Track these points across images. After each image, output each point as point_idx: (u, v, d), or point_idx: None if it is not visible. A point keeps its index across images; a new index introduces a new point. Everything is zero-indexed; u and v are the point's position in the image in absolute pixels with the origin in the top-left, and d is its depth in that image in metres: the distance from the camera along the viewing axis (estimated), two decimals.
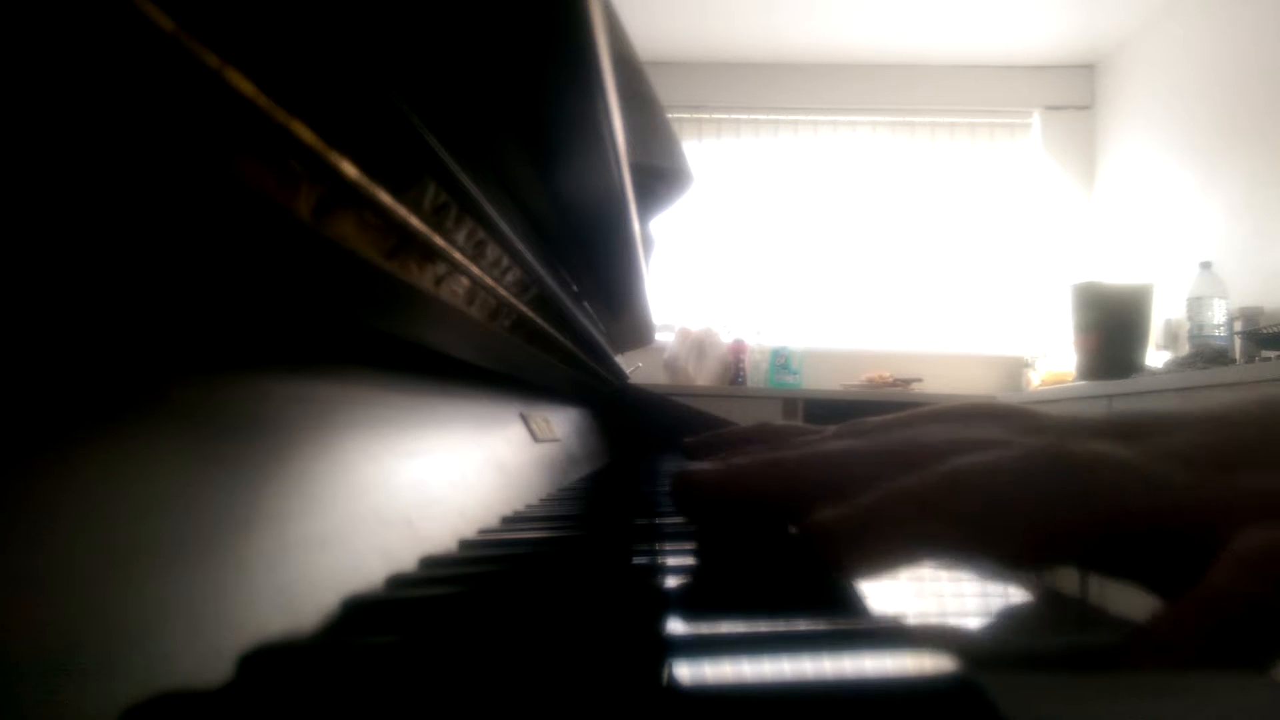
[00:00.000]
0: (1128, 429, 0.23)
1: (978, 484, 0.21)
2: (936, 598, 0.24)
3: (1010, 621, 0.22)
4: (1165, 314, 2.67)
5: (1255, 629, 0.17)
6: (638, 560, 0.27)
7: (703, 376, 3.12)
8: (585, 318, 0.62)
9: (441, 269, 0.29)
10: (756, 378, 3.14)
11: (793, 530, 0.23)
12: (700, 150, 3.41)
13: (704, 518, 0.26)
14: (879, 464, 0.24)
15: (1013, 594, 0.25)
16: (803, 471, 0.24)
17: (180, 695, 0.14)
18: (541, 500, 0.49)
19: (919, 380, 3.18)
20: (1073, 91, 3.40)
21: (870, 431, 0.30)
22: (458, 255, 0.29)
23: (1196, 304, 2.41)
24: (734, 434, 0.37)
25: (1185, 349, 2.38)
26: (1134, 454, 0.22)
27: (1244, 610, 0.18)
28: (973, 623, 0.22)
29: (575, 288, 0.65)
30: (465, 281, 0.32)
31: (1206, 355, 2.18)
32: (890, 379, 3.15)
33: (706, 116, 3.45)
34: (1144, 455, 0.21)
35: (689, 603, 0.20)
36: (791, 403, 2.98)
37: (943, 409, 0.29)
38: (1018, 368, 3.25)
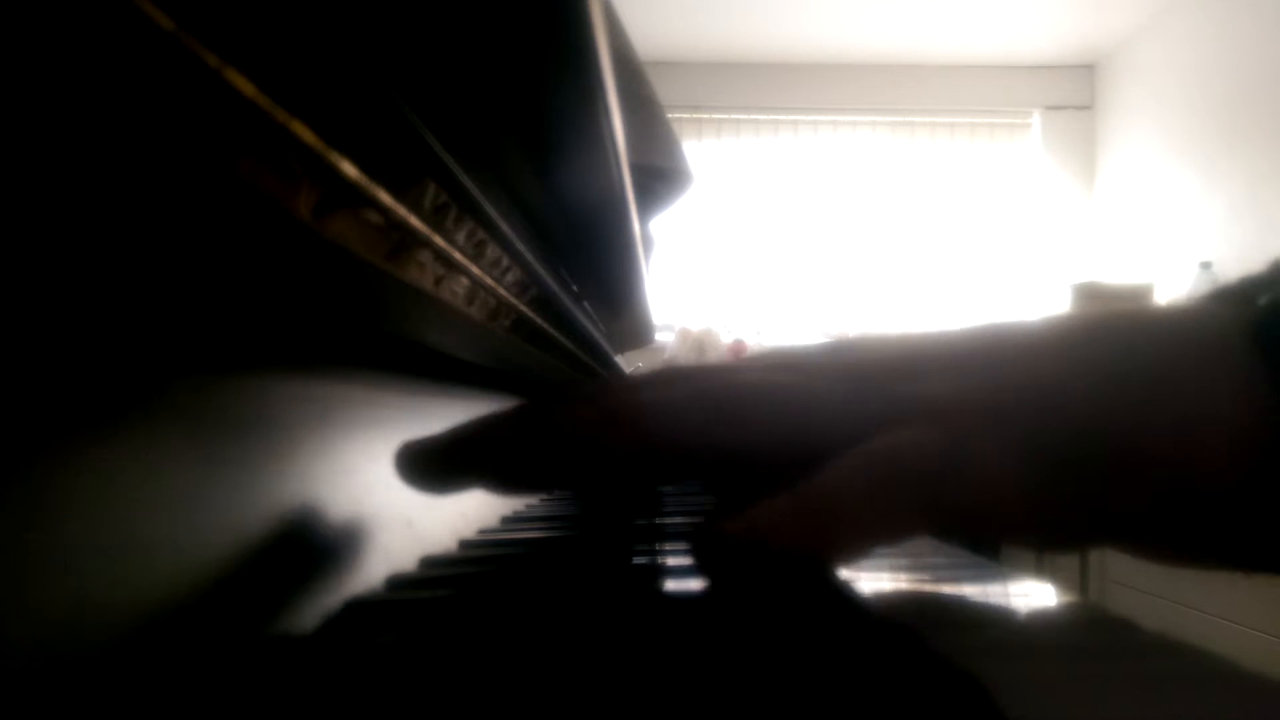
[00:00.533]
0: (820, 352, 0.25)
1: (641, 415, 0.22)
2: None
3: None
4: None
5: (836, 524, 0.19)
6: (637, 560, 0.27)
7: None
8: (585, 318, 0.62)
9: (441, 269, 0.29)
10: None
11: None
12: (700, 150, 3.41)
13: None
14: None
15: (993, 592, 0.25)
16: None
17: (180, 696, 0.14)
18: (541, 500, 0.49)
19: None
20: (1073, 91, 3.40)
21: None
22: (458, 255, 0.29)
23: None
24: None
25: None
26: (792, 377, 0.23)
27: (830, 505, 0.19)
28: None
29: (575, 288, 0.65)
30: (465, 281, 0.32)
31: None
32: None
33: (706, 116, 3.45)
34: (809, 378, 0.23)
35: None
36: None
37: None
38: None
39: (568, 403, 0.23)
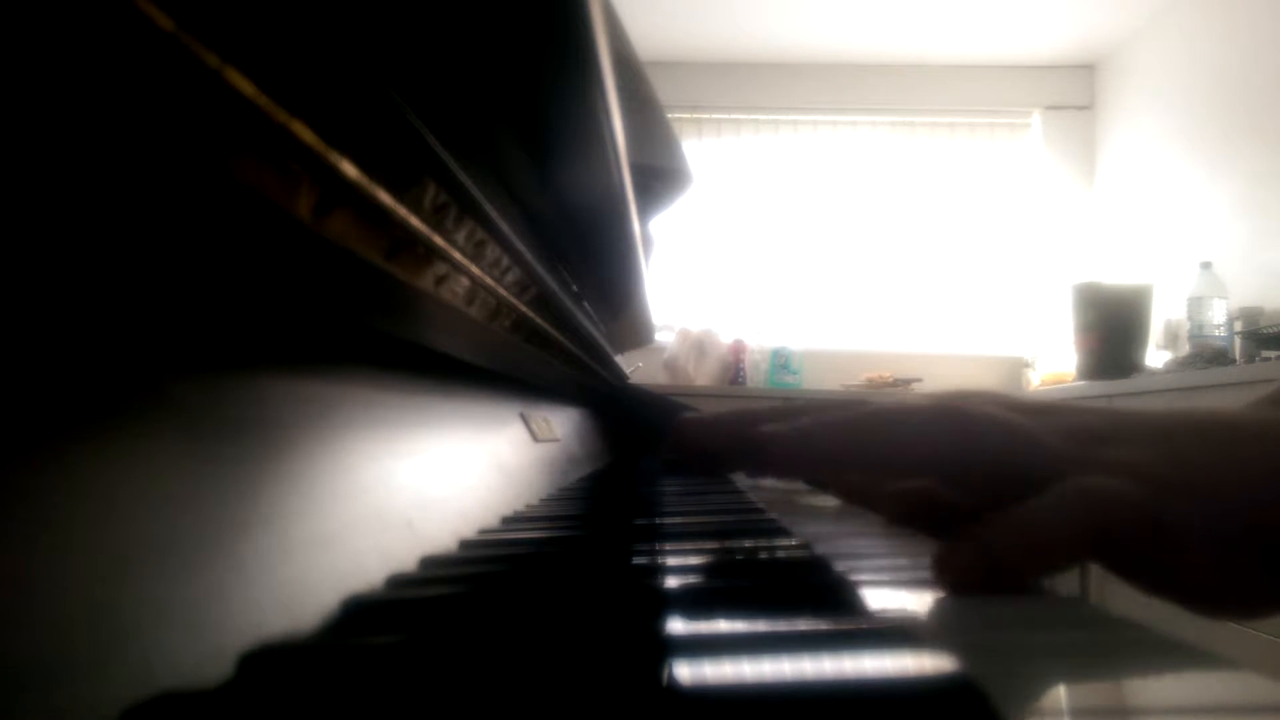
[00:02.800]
0: (1038, 408, 0.29)
1: (886, 419, 0.28)
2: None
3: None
4: (1165, 314, 2.67)
5: (1053, 544, 0.24)
6: (638, 560, 0.27)
7: (703, 376, 3.12)
8: (585, 318, 0.62)
9: (441, 269, 0.29)
10: (756, 378, 3.14)
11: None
12: (700, 150, 3.41)
13: (694, 455, 0.32)
14: (817, 411, 0.31)
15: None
16: (766, 414, 0.31)
17: (180, 695, 0.14)
18: (542, 500, 0.49)
19: (919, 380, 3.18)
20: (1073, 91, 3.40)
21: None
22: (458, 255, 0.29)
23: (1196, 304, 2.41)
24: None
25: (1185, 349, 2.38)
26: (1023, 419, 0.28)
27: (1048, 527, 0.24)
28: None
29: (575, 288, 0.65)
30: (465, 281, 0.32)
31: (1206, 355, 2.18)
32: (890, 379, 3.15)
33: (706, 116, 3.45)
34: (1031, 423, 0.28)
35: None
36: (792, 403, 2.97)
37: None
38: (1018, 368, 3.25)
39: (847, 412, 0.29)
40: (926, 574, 0.26)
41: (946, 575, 0.25)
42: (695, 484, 0.61)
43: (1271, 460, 0.25)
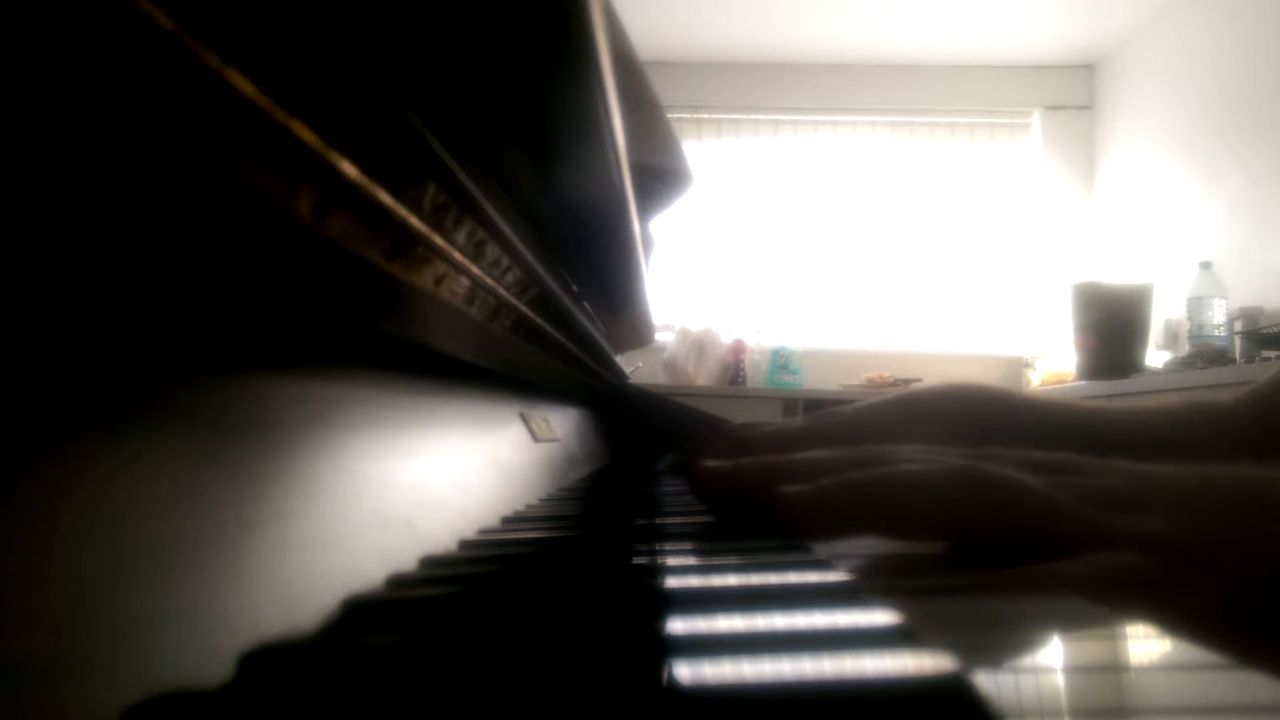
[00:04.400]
0: (1059, 466, 0.30)
1: (902, 484, 0.29)
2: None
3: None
4: (1165, 314, 2.67)
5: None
6: (637, 560, 0.27)
7: (703, 376, 3.12)
8: (585, 318, 0.62)
9: (442, 269, 0.29)
10: (756, 378, 3.14)
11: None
12: (700, 150, 3.41)
13: (713, 503, 0.35)
14: (840, 464, 0.32)
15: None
16: (785, 469, 0.32)
17: (180, 695, 0.14)
18: (542, 500, 0.49)
19: (919, 380, 3.18)
20: (1073, 91, 3.40)
21: (837, 425, 0.42)
22: (458, 255, 0.29)
23: (1196, 304, 2.41)
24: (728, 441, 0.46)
25: (1185, 349, 2.38)
26: (1041, 483, 0.28)
27: (1086, 585, 0.24)
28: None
29: (575, 288, 0.65)
30: (465, 281, 0.32)
31: (1206, 355, 2.18)
32: (890, 379, 3.15)
33: (706, 116, 3.45)
34: (1051, 486, 0.28)
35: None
36: (791, 403, 2.98)
37: (911, 395, 0.40)
38: (1018, 368, 3.24)
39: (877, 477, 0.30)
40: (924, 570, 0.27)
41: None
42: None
43: None
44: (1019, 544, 0.27)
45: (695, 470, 0.34)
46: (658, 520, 0.36)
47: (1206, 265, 2.44)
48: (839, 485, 0.29)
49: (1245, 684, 0.15)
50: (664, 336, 3.10)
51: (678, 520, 0.37)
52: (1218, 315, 2.37)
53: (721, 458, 0.37)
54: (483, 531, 0.35)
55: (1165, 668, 0.17)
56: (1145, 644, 0.19)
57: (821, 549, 0.30)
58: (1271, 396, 0.47)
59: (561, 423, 0.70)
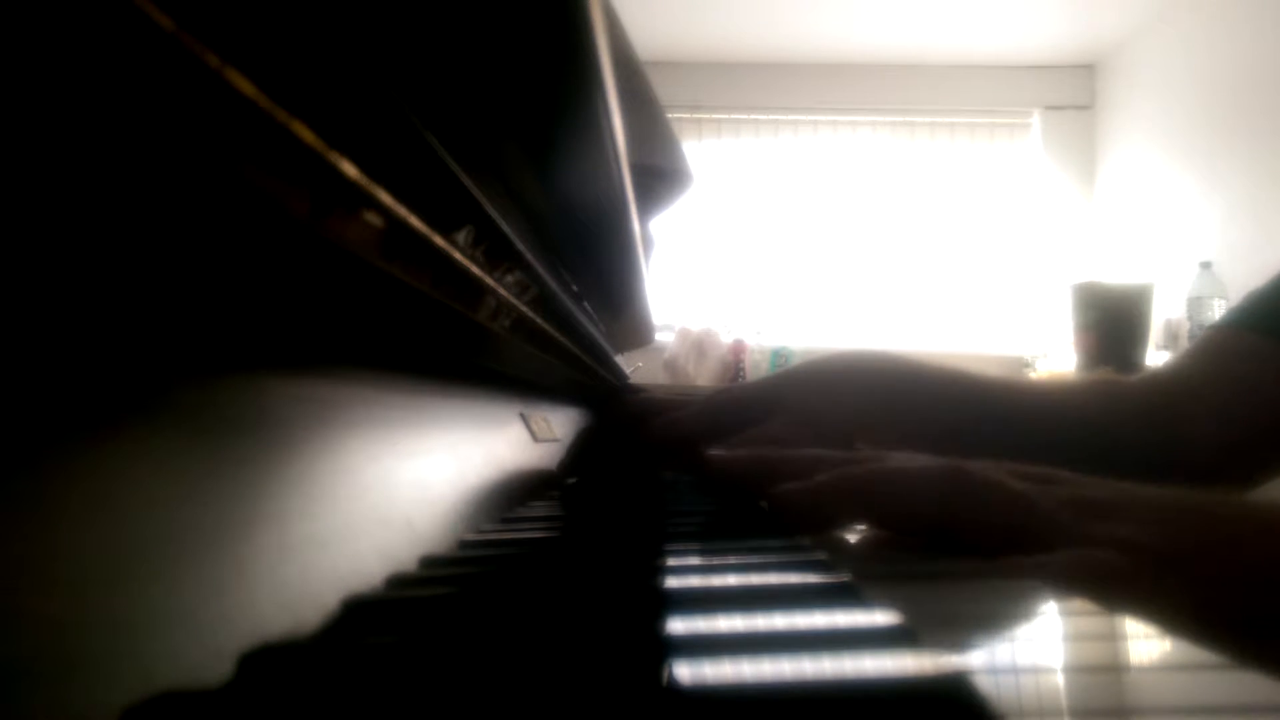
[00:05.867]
0: (1042, 475, 0.31)
1: (893, 478, 0.31)
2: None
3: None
4: (1165, 314, 2.67)
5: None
6: (637, 559, 0.27)
7: (703, 376, 3.11)
8: (585, 318, 0.62)
9: (441, 269, 0.29)
10: (756, 377, 3.14)
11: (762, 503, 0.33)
12: (700, 150, 3.41)
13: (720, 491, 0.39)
14: (835, 461, 0.34)
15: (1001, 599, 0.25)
16: (783, 465, 0.34)
17: (180, 695, 0.14)
18: (542, 500, 0.49)
19: None
20: (1073, 91, 3.40)
21: (748, 394, 0.48)
22: (457, 255, 0.29)
23: (1196, 304, 2.41)
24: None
25: (1185, 349, 2.38)
26: (1025, 486, 0.30)
27: (1063, 574, 0.25)
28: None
29: (575, 288, 0.65)
30: (465, 281, 0.32)
31: None
32: None
33: (706, 116, 3.44)
34: (1034, 490, 0.30)
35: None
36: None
37: (817, 364, 0.47)
38: (1018, 367, 3.24)
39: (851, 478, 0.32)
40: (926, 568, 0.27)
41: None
42: (692, 481, 0.61)
43: (1272, 553, 0.27)
44: (1002, 540, 0.28)
45: (705, 462, 0.38)
46: (657, 519, 0.36)
47: (1206, 265, 2.44)
48: (835, 479, 0.31)
49: (1242, 684, 0.15)
50: (664, 336, 3.10)
51: (677, 519, 0.37)
52: (1217, 315, 2.37)
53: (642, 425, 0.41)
54: (483, 531, 0.35)
55: (1164, 668, 0.17)
56: (1141, 644, 0.19)
57: (820, 547, 0.30)
58: (1178, 376, 0.50)
59: (561, 422, 0.70)
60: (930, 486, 0.30)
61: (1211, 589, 0.26)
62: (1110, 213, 3.26)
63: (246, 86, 0.14)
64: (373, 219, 0.22)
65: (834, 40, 3.28)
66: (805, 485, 0.31)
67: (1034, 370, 3.10)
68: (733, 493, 0.36)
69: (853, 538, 0.35)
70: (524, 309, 0.39)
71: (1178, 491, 0.30)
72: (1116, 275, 2.93)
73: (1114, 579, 0.26)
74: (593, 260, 0.61)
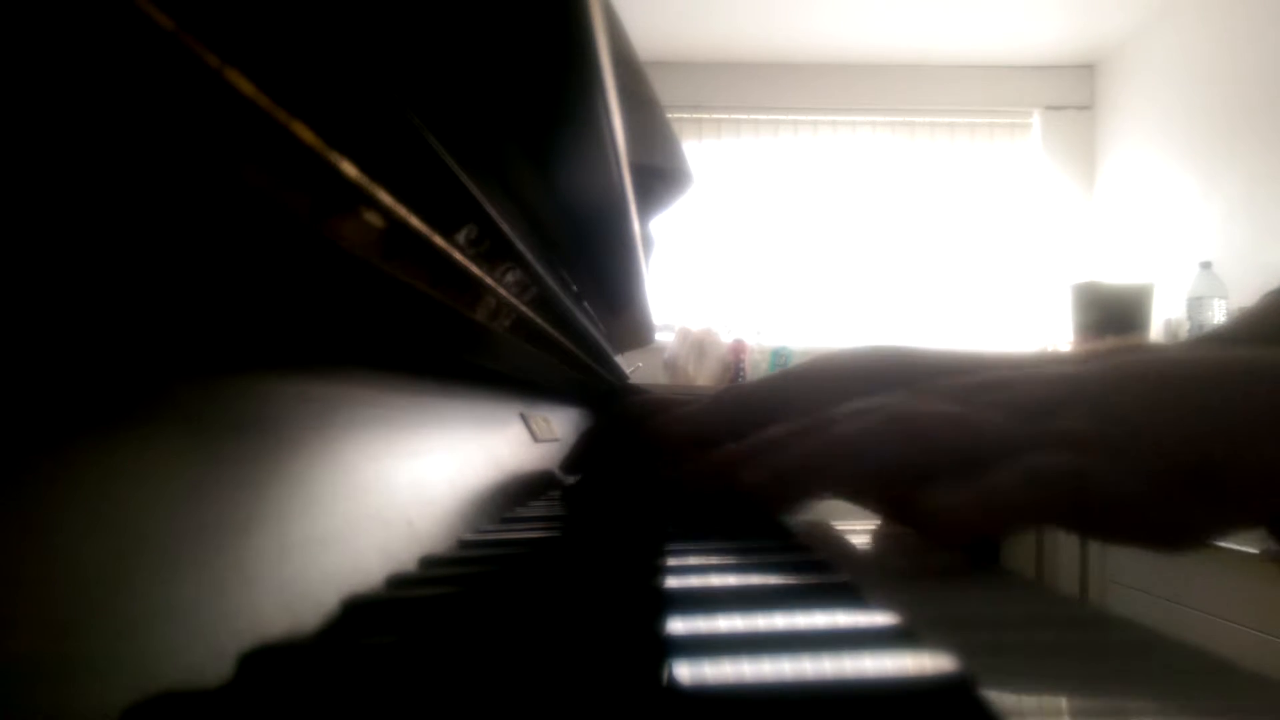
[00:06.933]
0: (981, 386, 0.32)
1: (840, 449, 0.31)
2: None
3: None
4: (1165, 314, 2.67)
5: (1006, 515, 0.27)
6: (637, 559, 0.27)
7: (703, 376, 3.11)
8: (585, 318, 0.62)
9: (441, 269, 0.29)
10: (756, 377, 3.14)
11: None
12: (700, 150, 3.41)
13: (694, 502, 0.38)
14: (785, 440, 0.34)
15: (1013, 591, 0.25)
16: (741, 456, 0.35)
17: (180, 695, 0.14)
18: (542, 499, 0.49)
19: None
20: (1073, 91, 3.40)
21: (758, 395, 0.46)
22: (458, 256, 0.29)
23: (1196, 304, 2.41)
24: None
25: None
26: (967, 409, 0.30)
27: (1002, 499, 0.27)
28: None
29: (575, 288, 0.65)
30: (465, 282, 0.32)
31: None
32: None
33: (706, 116, 3.44)
34: (976, 411, 0.30)
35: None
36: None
37: (825, 360, 0.46)
38: None
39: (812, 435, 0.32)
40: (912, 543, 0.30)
41: (932, 529, 0.28)
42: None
43: (1200, 399, 0.28)
44: (959, 470, 0.28)
45: (672, 480, 0.38)
46: (656, 519, 0.36)
47: (1206, 265, 2.44)
48: (791, 463, 0.32)
49: (1241, 684, 0.15)
50: (664, 336, 3.10)
51: (675, 518, 0.37)
52: (1218, 315, 2.37)
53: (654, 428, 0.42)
54: (483, 531, 0.35)
55: (1162, 668, 0.17)
56: (1141, 642, 0.19)
57: (821, 547, 0.30)
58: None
59: (561, 422, 0.70)
60: (876, 446, 0.30)
61: (1159, 457, 0.27)
62: (1110, 213, 3.26)
63: (246, 86, 0.14)
64: (373, 219, 0.22)
65: (834, 40, 3.28)
66: (765, 474, 0.32)
67: None
68: (704, 500, 0.36)
69: (853, 538, 0.35)
70: (524, 309, 0.39)
71: (1118, 364, 0.31)
72: (1116, 275, 2.93)
73: (1066, 479, 0.27)
74: (593, 260, 0.61)
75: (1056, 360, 0.33)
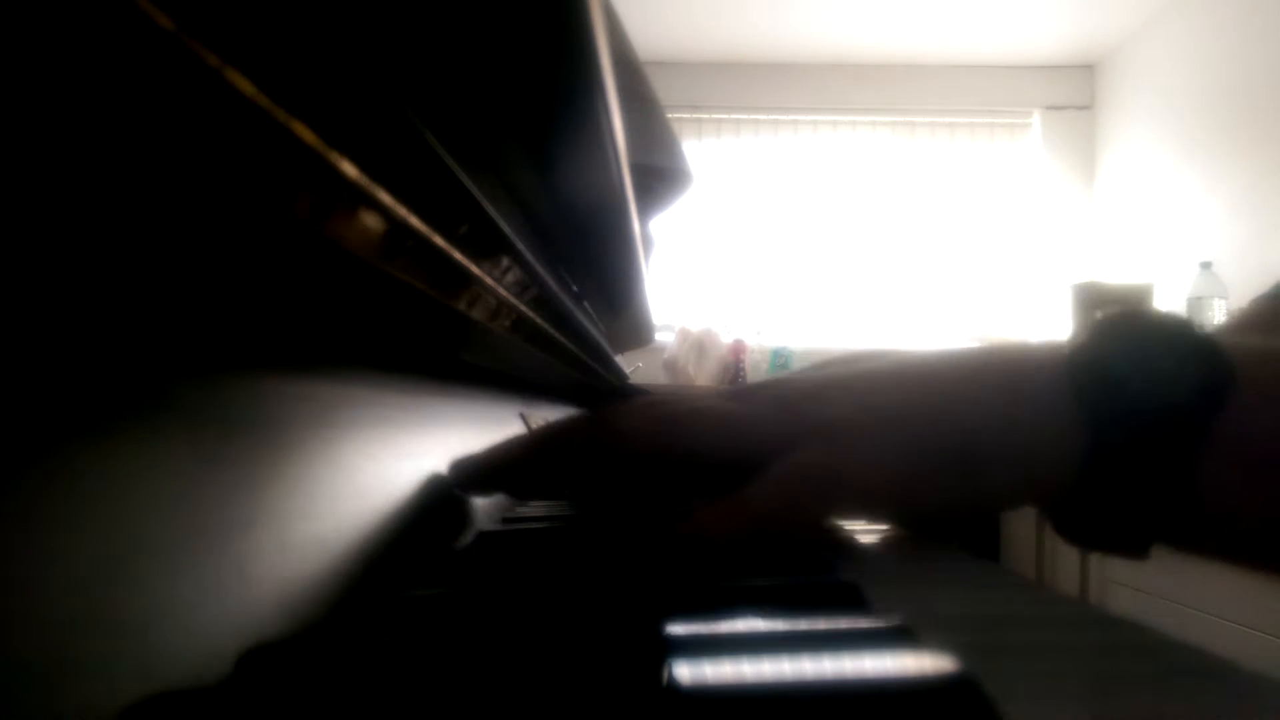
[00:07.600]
0: (749, 388, 0.33)
1: (612, 450, 0.31)
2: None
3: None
4: None
5: (767, 525, 0.28)
6: (636, 559, 0.27)
7: (703, 377, 3.11)
8: (585, 318, 0.62)
9: (441, 269, 0.29)
10: (756, 378, 3.14)
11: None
12: (700, 150, 3.41)
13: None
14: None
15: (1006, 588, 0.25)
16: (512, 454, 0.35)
17: (179, 695, 0.14)
18: (541, 503, 0.49)
19: None
20: (1073, 91, 3.40)
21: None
22: (458, 255, 0.29)
23: (1196, 304, 2.41)
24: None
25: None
26: (736, 404, 0.31)
27: (756, 512, 0.28)
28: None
29: (575, 288, 0.65)
30: (465, 281, 0.32)
31: None
32: None
33: (706, 116, 3.44)
34: (742, 403, 0.31)
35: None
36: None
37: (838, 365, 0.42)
38: None
39: (563, 431, 0.33)
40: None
41: (708, 529, 0.28)
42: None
43: (956, 387, 0.30)
44: (725, 460, 0.29)
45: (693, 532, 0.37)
46: (655, 519, 0.36)
47: (1206, 265, 2.44)
48: (510, 454, 0.33)
49: (1241, 684, 0.15)
50: (664, 336, 3.10)
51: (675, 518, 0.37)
52: (1218, 315, 2.37)
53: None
54: (483, 532, 0.35)
55: (1162, 669, 0.17)
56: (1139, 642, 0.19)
57: (823, 546, 0.30)
58: None
59: None
60: (648, 446, 0.30)
61: (906, 443, 0.28)
62: (1110, 213, 3.26)
63: (246, 86, 0.14)
64: (372, 219, 0.22)
65: (834, 40, 3.28)
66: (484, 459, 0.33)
67: None
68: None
69: (853, 538, 0.35)
70: (524, 309, 0.39)
71: (866, 355, 0.33)
72: (1116, 275, 2.93)
73: (823, 477, 0.28)
74: (593, 260, 0.61)
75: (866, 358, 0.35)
